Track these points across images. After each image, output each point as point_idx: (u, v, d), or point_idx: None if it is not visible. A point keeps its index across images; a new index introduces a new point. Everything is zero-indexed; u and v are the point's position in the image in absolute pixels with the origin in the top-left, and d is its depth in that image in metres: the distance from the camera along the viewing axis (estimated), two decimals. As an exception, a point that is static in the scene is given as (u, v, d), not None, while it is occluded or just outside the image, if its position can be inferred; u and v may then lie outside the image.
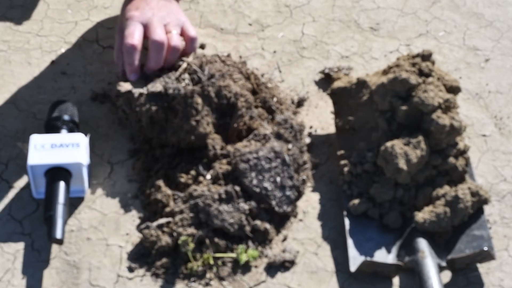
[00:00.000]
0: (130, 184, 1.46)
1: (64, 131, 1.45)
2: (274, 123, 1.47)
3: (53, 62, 1.65)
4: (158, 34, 1.45)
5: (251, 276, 1.34)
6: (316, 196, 1.45)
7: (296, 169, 1.43)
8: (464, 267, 1.35)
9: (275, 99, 1.52)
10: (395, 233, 1.39)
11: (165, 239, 1.35)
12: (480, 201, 1.38)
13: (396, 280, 1.34)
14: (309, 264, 1.36)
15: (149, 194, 1.42)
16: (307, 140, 1.52)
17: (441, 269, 1.34)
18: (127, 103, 1.46)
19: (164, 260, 1.34)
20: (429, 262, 1.31)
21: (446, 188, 1.38)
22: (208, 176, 1.41)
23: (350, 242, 1.36)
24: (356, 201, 1.40)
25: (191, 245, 1.33)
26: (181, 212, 1.37)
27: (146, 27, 1.47)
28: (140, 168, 1.47)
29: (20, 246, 1.37)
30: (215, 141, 1.45)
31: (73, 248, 1.37)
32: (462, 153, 1.42)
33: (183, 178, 1.42)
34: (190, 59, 1.49)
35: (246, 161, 1.40)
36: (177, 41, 1.47)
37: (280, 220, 1.41)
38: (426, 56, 1.44)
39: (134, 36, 1.45)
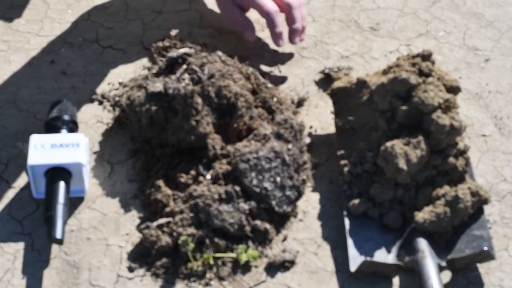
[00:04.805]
0: (130, 184, 1.46)
1: (64, 131, 1.45)
2: (274, 123, 1.46)
3: (53, 62, 1.65)
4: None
5: (251, 276, 1.34)
6: (316, 196, 1.45)
7: (296, 169, 1.43)
8: (464, 267, 1.35)
9: (275, 99, 1.52)
10: (395, 233, 1.39)
11: (165, 239, 1.35)
12: (480, 201, 1.38)
13: (396, 280, 1.34)
14: (309, 264, 1.36)
15: (149, 194, 1.42)
16: (307, 140, 1.52)
17: (441, 269, 1.34)
18: (127, 103, 1.46)
19: (164, 260, 1.34)
20: (429, 262, 1.31)
21: (446, 188, 1.38)
22: (208, 176, 1.41)
23: (350, 242, 1.36)
24: (356, 201, 1.40)
25: (191, 245, 1.33)
26: (181, 212, 1.37)
27: None
28: (140, 168, 1.47)
29: (20, 246, 1.37)
30: (215, 141, 1.44)
31: (73, 248, 1.37)
32: (462, 153, 1.42)
33: (183, 178, 1.42)
34: (190, 59, 1.49)
35: (246, 161, 1.39)
36: None
37: (280, 220, 1.41)
38: (426, 56, 1.44)
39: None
